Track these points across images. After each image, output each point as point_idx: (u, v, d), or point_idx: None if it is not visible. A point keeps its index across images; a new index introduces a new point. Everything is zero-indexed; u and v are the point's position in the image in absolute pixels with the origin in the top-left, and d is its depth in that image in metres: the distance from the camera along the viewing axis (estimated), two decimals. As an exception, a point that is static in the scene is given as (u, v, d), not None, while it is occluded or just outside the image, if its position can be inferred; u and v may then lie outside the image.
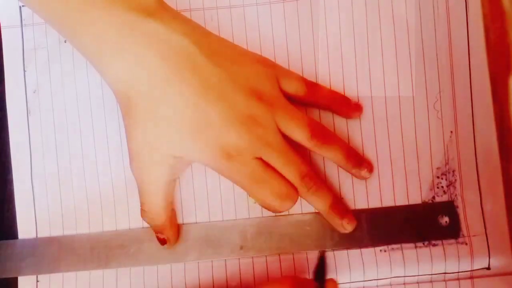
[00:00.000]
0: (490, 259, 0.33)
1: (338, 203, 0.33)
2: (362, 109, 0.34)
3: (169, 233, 0.33)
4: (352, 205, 0.34)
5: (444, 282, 0.34)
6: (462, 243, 0.34)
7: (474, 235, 0.34)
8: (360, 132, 0.34)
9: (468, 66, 0.34)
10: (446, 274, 0.34)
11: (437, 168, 0.34)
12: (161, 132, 0.30)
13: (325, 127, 0.33)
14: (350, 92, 0.35)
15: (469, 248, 0.34)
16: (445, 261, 0.33)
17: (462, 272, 0.34)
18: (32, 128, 0.35)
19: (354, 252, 0.34)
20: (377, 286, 0.34)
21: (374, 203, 0.34)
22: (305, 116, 0.32)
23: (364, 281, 0.34)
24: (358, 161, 0.33)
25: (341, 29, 0.35)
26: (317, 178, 0.32)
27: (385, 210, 0.34)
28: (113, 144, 0.35)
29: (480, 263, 0.33)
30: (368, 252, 0.34)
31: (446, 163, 0.34)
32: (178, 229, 0.34)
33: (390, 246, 0.34)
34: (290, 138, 0.32)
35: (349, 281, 0.34)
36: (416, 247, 0.34)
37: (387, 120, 0.34)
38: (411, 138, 0.34)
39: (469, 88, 0.34)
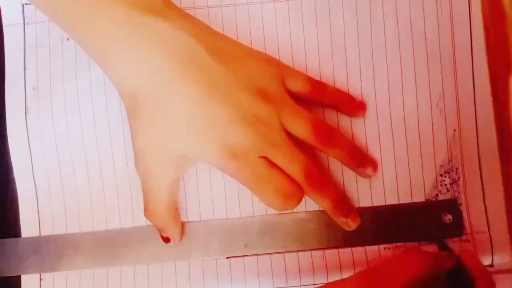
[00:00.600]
0: (493, 257, 0.34)
1: (343, 201, 0.33)
2: (366, 107, 0.34)
3: (172, 232, 0.33)
4: (356, 203, 0.34)
5: (447, 280, 0.34)
6: (465, 240, 0.34)
7: (477, 233, 0.34)
8: (364, 130, 0.35)
9: (470, 65, 0.35)
10: (449, 272, 0.34)
11: (440, 166, 0.34)
12: (166, 132, 0.30)
13: (329, 125, 0.33)
14: (354, 90, 0.35)
15: (472, 245, 0.34)
16: (449, 259, 0.34)
17: (465, 269, 0.34)
18: (30, 126, 0.35)
19: (358, 250, 0.34)
20: (380, 283, 0.34)
21: (378, 201, 0.34)
22: (310, 114, 0.32)
23: (367, 279, 0.34)
24: (362, 159, 0.33)
25: (345, 27, 0.35)
26: (322, 177, 0.32)
27: (389, 208, 0.34)
28: (116, 142, 0.35)
29: (483, 260, 0.34)
30: (371, 249, 0.34)
31: (449, 161, 0.34)
32: (181, 227, 0.34)
33: (394, 244, 0.34)
34: (295, 136, 0.32)
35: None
36: (420, 244, 0.34)
37: (390, 118, 0.35)
38: (414, 136, 0.34)
39: (471, 87, 0.35)
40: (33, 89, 0.35)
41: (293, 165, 0.31)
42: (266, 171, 0.30)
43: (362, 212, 0.34)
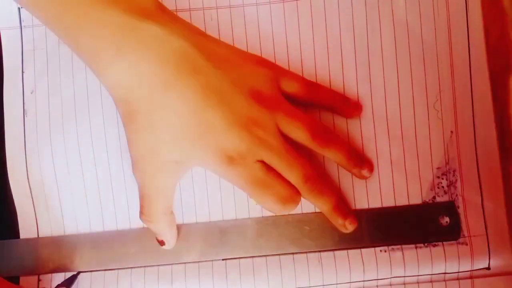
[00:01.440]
0: (490, 259, 0.33)
1: (341, 204, 0.33)
2: (362, 108, 0.34)
3: (167, 236, 0.33)
4: (352, 205, 0.34)
5: (444, 282, 0.34)
6: (462, 243, 0.34)
7: (474, 236, 0.34)
8: (360, 132, 0.34)
9: (468, 66, 0.34)
10: (446, 274, 0.34)
11: (438, 168, 0.34)
12: (162, 138, 0.30)
13: (326, 127, 0.33)
14: (350, 92, 0.34)
15: (469, 248, 0.34)
16: (445, 262, 0.33)
17: (462, 272, 0.34)
18: (27, 129, 0.35)
19: (354, 252, 0.34)
20: (377, 286, 0.34)
21: (375, 203, 0.34)
22: (306, 116, 0.32)
23: (364, 281, 0.34)
24: (359, 160, 0.33)
25: (341, 29, 0.35)
26: (319, 180, 0.32)
27: (385, 210, 0.34)
28: (112, 143, 0.35)
29: (480, 263, 0.33)
30: (368, 252, 0.34)
31: (447, 163, 0.34)
32: (176, 231, 0.34)
33: (390, 247, 0.34)
34: (291, 138, 0.32)
35: (349, 281, 0.34)
36: (416, 247, 0.34)
37: (387, 120, 0.34)
38: (411, 138, 0.34)
39: (469, 88, 0.34)
40: (31, 93, 0.35)
41: (291, 170, 0.31)
42: (264, 175, 0.30)
43: (359, 214, 0.34)
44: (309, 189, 0.31)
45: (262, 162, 0.31)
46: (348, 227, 0.33)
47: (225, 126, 0.29)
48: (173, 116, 0.29)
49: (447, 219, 0.34)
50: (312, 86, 0.34)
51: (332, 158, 0.33)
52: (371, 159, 0.34)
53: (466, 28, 0.34)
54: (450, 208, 0.34)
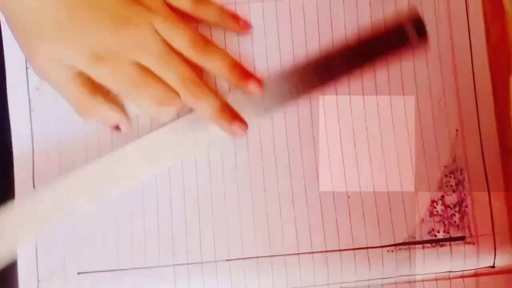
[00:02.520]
0: (496, 258, 0.34)
1: (225, 108, 0.32)
2: (250, 26, 0.34)
3: (115, 117, 0.32)
4: (360, 208, 0.34)
5: (449, 280, 0.34)
6: (469, 243, 0.34)
7: (481, 235, 0.34)
8: (365, 132, 0.34)
9: (471, 65, 0.34)
10: (451, 272, 0.34)
11: (445, 167, 0.34)
12: (40, 37, 0.29)
13: (207, 37, 0.33)
14: (354, 91, 0.34)
15: (476, 247, 0.34)
16: (451, 261, 0.34)
17: (466, 270, 0.34)
18: (34, 126, 0.34)
19: (360, 251, 0.34)
20: (382, 284, 0.34)
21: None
22: (187, 25, 0.31)
23: (369, 280, 0.34)
24: (243, 73, 0.32)
25: (346, 29, 0.34)
26: (200, 82, 0.31)
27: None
28: (118, 143, 0.34)
29: (486, 261, 0.34)
30: (374, 251, 0.34)
31: (454, 161, 0.34)
32: (122, 109, 0.33)
33: (397, 247, 0.34)
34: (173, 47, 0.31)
35: (354, 280, 0.34)
36: (423, 247, 0.34)
37: (392, 118, 0.34)
38: (417, 136, 0.34)
39: (472, 87, 0.34)
40: (36, 89, 0.34)
41: (168, 70, 0.30)
42: (138, 76, 0.30)
43: None
44: (189, 90, 0.31)
45: (139, 64, 0.30)
46: (236, 132, 0.32)
47: (93, 22, 0.29)
48: (46, 16, 0.29)
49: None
50: (199, 1, 0.33)
51: (212, 69, 0.32)
52: (260, 77, 0.33)
53: (467, 28, 0.35)
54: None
